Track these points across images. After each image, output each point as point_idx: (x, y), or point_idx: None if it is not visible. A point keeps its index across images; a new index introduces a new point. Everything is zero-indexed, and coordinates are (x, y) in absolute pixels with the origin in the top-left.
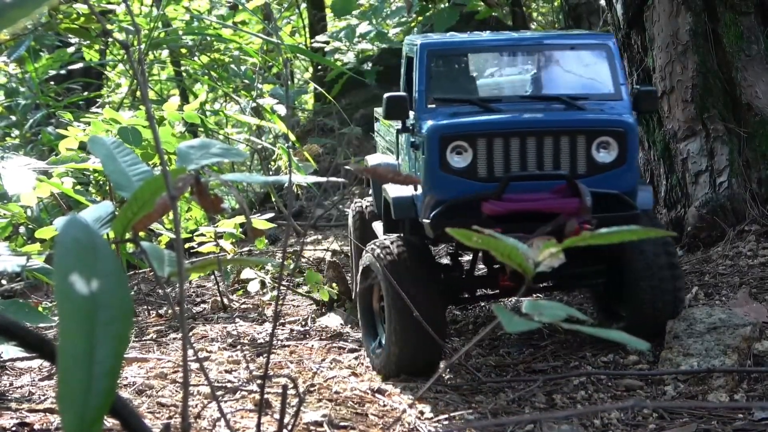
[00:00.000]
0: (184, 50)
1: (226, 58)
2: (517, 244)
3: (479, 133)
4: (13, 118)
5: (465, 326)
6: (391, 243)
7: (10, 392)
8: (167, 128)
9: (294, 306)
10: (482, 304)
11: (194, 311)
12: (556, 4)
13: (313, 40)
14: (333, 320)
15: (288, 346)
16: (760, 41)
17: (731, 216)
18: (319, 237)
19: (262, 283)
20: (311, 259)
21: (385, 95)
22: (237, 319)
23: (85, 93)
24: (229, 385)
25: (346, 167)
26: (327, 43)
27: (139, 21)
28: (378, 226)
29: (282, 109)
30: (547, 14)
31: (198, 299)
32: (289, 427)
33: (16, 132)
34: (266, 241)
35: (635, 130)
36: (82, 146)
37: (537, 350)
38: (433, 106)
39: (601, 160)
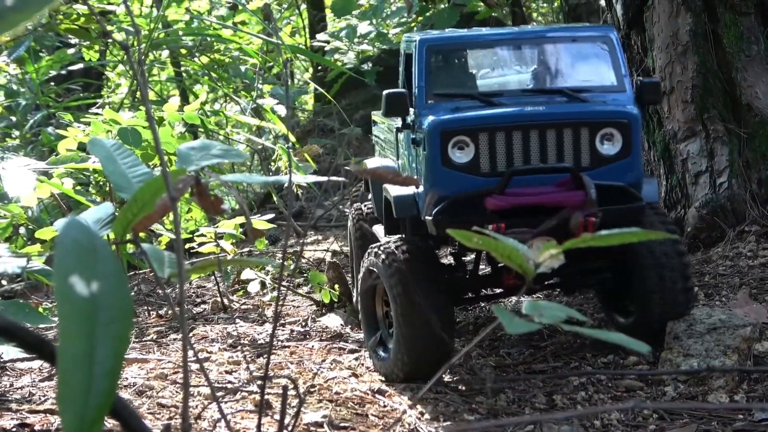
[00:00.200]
0: (184, 51)
1: (226, 59)
2: (517, 245)
3: (481, 128)
4: (14, 118)
5: (465, 327)
6: (394, 245)
7: (11, 393)
8: (167, 129)
9: (294, 306)
10: (482, 304)
11: (194, 312)
12: (556, 4)
13: (313, 40)
14: (333, 321)
15: (288, 346)
16: (760, 42)
17: (731, 217)
18: (320, 237)
19: (263, 284)
20: (311, 259)
21: (385, 92)
22: (237, 320)
23: (85, 94)
24: (229, 385)
25: (346, 168)
26: (327, 42)
27: (139, 21)
28: (379, 230)
29: (282, 110)
30: (547, 14)
31: (198, 300)
32: (290, 428)
33: (17, 133)
34: (266, 241)
35: (639, 121)
36: (82, 147)
37: (537, 351)
38: (433, 101)
39: (605, 152)
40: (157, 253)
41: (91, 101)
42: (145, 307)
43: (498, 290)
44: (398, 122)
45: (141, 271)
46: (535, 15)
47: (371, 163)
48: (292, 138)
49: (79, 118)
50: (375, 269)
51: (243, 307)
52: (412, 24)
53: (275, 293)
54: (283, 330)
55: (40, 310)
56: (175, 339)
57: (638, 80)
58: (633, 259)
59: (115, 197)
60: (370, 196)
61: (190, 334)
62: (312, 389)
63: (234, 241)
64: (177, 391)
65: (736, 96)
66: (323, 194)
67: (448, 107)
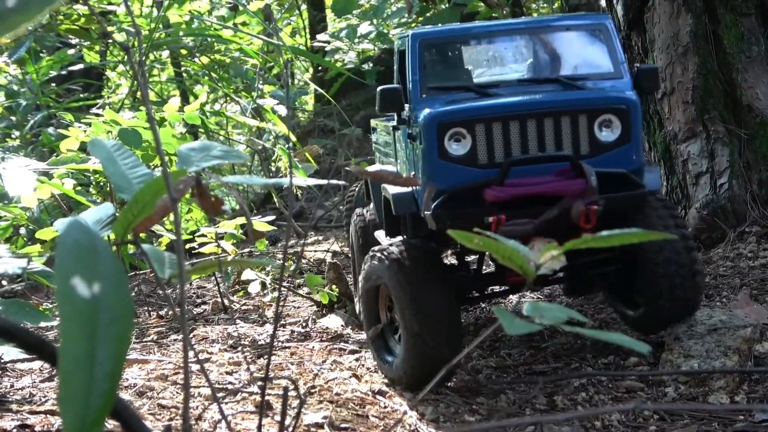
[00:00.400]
0: (184, 51)
1: (226, 59)
2: (517, 246)
3: (477, 119)
4: (14, 119)
5: (466, 327)
6: (396, 247)
7: (11, 394)
8: (168, 129)
9: (295, 307)
10: (482, 305)
11: (195, 312)
12: (556, 5)
13: (313, 41)
14: (334, 321)
15: (289, 347)
16: (760, 42)
17: (732, 217)
18: (320, 238)
19: (263, 285)
20: (312, 260)
21: (379, 88)
22: (238, 321)
23: (86, 94)
24: (229, 386)
25: (347, 168)
26: (327, 42)
27: (140, 22)
28: (380, 235)
29: (282, 110)
30: (547, 15)
31: (199, 300)
32: (290, 429)
33: (17, 133)
34: (267, 242)
35: (638, 106)
36: (83, 147)
37: (537, 352)
38: (428, 95)
39: (605, 139)
40: (157, 253)
41: (92, 102)
42: (146, 308)
43: (503, 288)
44: (394, 122)
45: (141, 272)
46: (535, 15)
47: (372, 169)
48: (293, 138)
49: (80, 118)
50: (377, 272)
51: (243, 307)
52: (413, 24)
53: (276, 294)
54: (283, 331)
55: (41, 310)
56: (175, 340)
57: (636, 66)
58: (641, 253)
59: (116, 198)
60: (371, 205)
61: (191, 335)
62: (312, 390)
63: (234, 241)
64: (177, 392)
65: (736, 97)
66: (323, 195)
67: (444, 100)
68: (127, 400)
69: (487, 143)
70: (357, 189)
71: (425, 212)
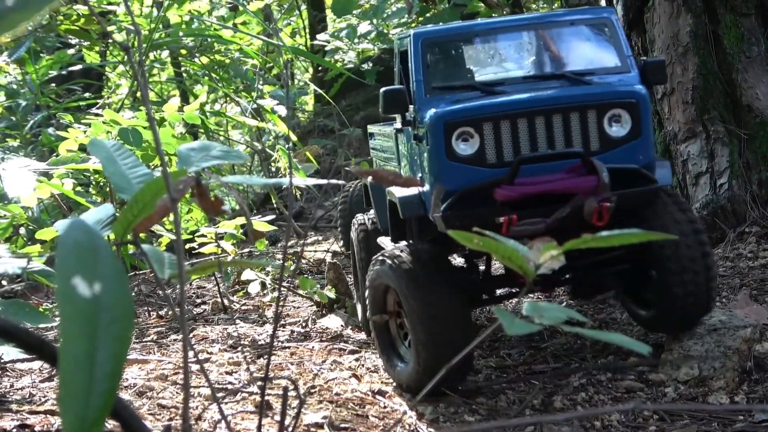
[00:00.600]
0: (184, 51)
1: (226, 60)
2: (517, 246)
3: (484, 117)
4: (14, 119)
5: None
6: (402, 251)
7: (11, 394)
8: (168, 129)
9: (294, 307)
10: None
11: (195, 312)
12: (556, 5)
13: (313, 41)
14: (333, 321)
15: (288, 347)
16: (760, 43)
17: (731, 218)
18: (320, 238)
19: (263, 285)
20: (312, 260)
21: (382, 89)
22: (237, 321)
23: (86, 94)
24: (229, 386)
25: (347, 168)
26: (327, 42)
27: (140, 22)
28: (384, 241)
29: (282, 110)
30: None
31: (198, 300)
32: (290, 429)
33: (17, 133)
34: (267, 242)
35: (647, 100)
36: (83, 147)
37: (537, 352)
38: (432, 95)
39: (615, 134)
40: (157, 254)
41: (92, 102)
42: (146, 308)
43: (513, 289)
44: (397, 125)
45: (141, 272)
46: None
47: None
48: (293, 138)
49: (80, 118)
50: (384, 277)
51: (243, 307)
52: (413, 24)
53: (275, 294)
54: (283, 331)
55: (41, 310)
56: (175, 340)
57: (643, 60)
58: (653, 251)
59: (116, 198)
60: (372, 211)
61: (191, 335)
62: (312, 390)
63: (234, 241)
64: (177, 392)
65: (736, 97)
66: (323, 195)
67: (449, 99)
68: (127, 400)
69: (496, 142)
70: (352, 188)
71: (434, 214)
